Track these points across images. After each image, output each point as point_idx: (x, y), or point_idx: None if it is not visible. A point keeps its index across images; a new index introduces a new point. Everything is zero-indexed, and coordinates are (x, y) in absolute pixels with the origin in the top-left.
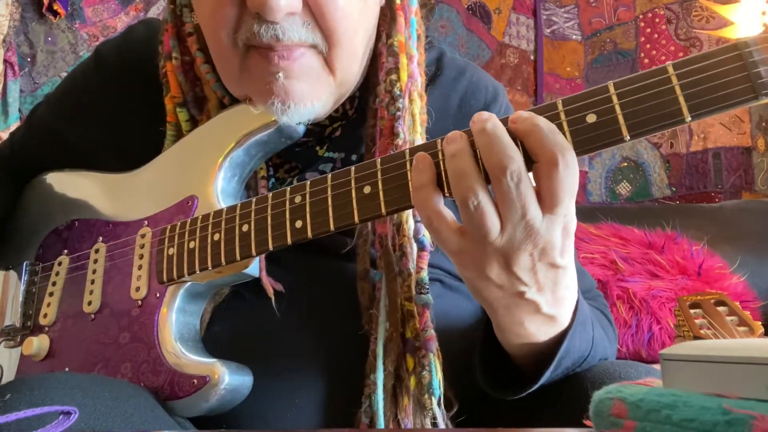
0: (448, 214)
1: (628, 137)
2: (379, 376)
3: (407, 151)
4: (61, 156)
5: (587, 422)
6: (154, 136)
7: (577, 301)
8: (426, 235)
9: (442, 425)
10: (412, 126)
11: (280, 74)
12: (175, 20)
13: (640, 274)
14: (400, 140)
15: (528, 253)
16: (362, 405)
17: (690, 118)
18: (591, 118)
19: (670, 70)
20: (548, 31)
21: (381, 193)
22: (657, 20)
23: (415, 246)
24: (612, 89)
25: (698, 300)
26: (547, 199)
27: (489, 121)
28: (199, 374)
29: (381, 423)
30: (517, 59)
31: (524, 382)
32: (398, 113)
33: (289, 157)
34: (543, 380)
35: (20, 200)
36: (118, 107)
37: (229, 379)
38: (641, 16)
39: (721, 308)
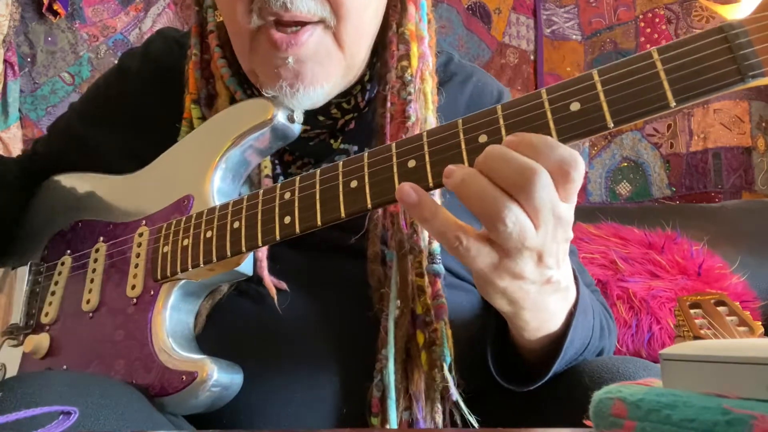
0: (470, 228)
1: (612, 124)
2: (390, 350)
3: (393, 144)
4: (82, 161)
5: (587, 422)
6: (172, 138)
7: (579, 291)
8: None
9: (454, 393)
10: (425, 104)
11: (290, 59)
12: (200, 21)
13: (640, 274)
14: (411, 122)
15: (556, 240)
16: (374, 379)
17: (675, 104)
18: (575, 106)
19: (655, 55)
20: (548, 31)
21: (367, 186)
22: (657, 20)
23: None
24: (596, 77)
25: (698, 300)
26: (563, 197)
27: (490, 146)
28: (187, 370)
29: (392, 396)
30: (517, 59)
31: (531, 375)
32: (409, 97)
33: (303, 153)
34: (550, 373)
35: (29, 203)
36: (142, 111)
37: (218, 376)
38: (641, 16)
39: (721, 308)
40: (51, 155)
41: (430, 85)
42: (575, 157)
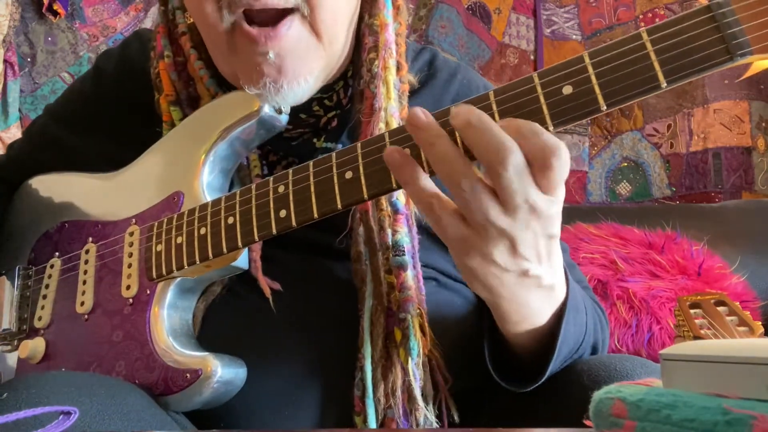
0: (447, 199)
1: (605, 107)
2: (366, 348)
3: (386, 134)
4: (59, 165)
5: (587, 422)
6: (151, 139)
7: (568, 287)
8: (399, 198)
9: (416, 389)
10: (386, 93)
11: (271, 53)
12: (167, 22)
13: (640, 274)
14: (374, 114)
15: (532, 231)
16: (355, 378)
17: (666, 84)
18: (567, 90)
19: (644, 36)
20: (548, 31)
21: (362, 177)
22: (657, 20)
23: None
24: (587, 59)
25: (698, 300)
26: (544, 187)
27: (472, 113)
28: (192, 368)
29: (370, 394)
30: (517, 59)
31: (529, 375)
32: (376, 90)
33: (287, 153)
34: (548, 372)
35: (10, 206)
36: (117, 115)
37: (222, 372)
38: (641, 16)
39: (721, 308)
40: (27, 160)
41: (393, 73)
42: (558, 145)
